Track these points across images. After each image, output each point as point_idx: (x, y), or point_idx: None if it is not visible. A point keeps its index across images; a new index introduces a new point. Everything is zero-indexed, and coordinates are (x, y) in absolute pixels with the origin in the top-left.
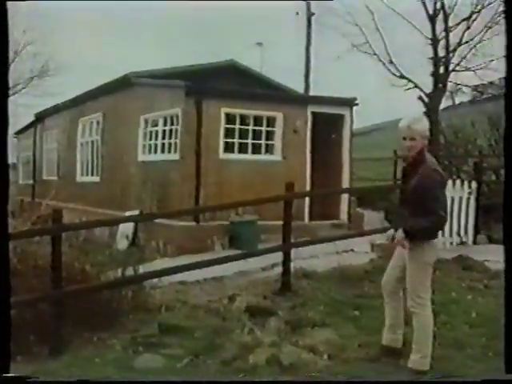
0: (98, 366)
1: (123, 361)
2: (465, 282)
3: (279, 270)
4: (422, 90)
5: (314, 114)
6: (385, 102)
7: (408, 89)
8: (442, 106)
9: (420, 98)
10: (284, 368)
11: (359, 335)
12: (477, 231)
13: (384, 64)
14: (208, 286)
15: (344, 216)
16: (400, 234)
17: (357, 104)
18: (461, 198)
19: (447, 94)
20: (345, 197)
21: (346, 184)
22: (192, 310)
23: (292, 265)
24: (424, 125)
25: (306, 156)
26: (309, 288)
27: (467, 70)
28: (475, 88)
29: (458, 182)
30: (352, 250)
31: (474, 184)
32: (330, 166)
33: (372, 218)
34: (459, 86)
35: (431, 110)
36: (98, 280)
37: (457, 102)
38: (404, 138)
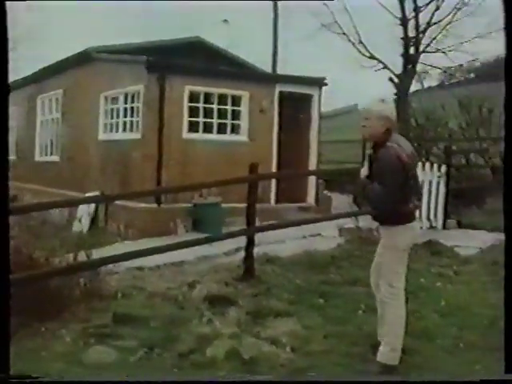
0: (44, 360)
1: (72, 354)
2: (434, 267)
3: (243, 254)
4: (391, 70)
5: (281, 93)
6: (355, 83)
7: (378, 70)
8: (412, 90)
9: (390, 79)
10: (244, 362)
11: (324, 325)
12: (446, 216)
13: (353, 44)
14: (168, 272)
15: (311, 199)
16: (364, 170)
17: (326, 84)
18: (430, 182)
19: (416, 77)
20: (312, 179)
21: (313, 166)
22: (149, 297)
23: (256, 250)
24: (383, 106)
25: (273, 137)
26: (273, 274)
27: (437, 51)
28: (445, 70)
29: (427, 165)
30: (319, 234)
31: (443, 168)
32: (298, 148)
33: (340, 201)
34: (429, 67)
35: (401, 92)
36: (48, 266)
37: (425, 85)
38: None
